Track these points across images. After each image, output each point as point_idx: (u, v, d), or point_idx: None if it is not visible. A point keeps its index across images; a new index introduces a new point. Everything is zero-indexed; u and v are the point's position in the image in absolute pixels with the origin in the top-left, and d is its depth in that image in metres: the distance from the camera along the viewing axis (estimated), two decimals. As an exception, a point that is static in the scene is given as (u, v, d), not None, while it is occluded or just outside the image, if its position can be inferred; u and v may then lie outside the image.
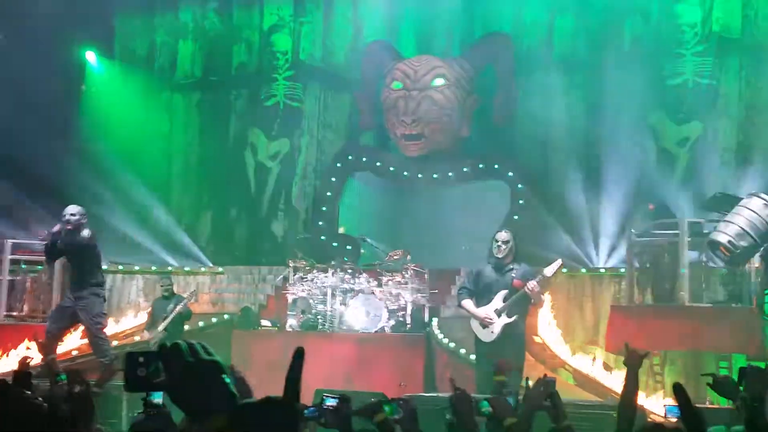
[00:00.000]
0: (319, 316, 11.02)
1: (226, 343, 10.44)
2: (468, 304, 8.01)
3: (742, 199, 8.62)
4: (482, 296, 7.99)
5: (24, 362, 6.17)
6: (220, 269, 13.18)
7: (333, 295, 11.03)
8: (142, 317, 11.80)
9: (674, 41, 12.53)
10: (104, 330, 8.86)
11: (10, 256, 11.75)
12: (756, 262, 8.73)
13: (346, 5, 14.35)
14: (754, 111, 12.16)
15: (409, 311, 10.90)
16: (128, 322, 12.41)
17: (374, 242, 11.97)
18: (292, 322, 10.97)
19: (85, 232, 8.62)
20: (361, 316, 10.81)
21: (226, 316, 11.95)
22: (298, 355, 1.87)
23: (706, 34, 12.37)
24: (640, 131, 12.65)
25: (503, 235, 8.02)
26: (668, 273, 9.55)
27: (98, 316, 8.68)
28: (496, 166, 13.19)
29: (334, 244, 13.33)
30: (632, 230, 10.12)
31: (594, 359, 10.02)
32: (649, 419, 7.44)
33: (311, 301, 11.08)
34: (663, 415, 4.13)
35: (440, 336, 10.51)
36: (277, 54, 14.62)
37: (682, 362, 9.78)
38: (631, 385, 4.19)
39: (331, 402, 3.77)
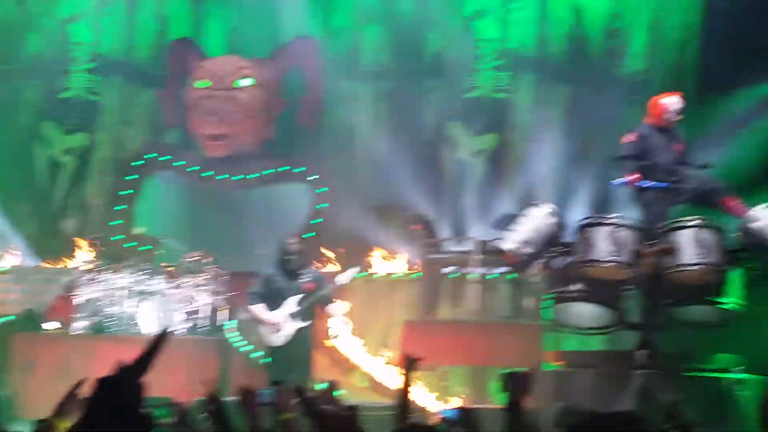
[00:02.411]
0: (110, 319, 10.65)
1: (5, 348, 9.92)
2: (258, 308, 8.00)
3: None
4: (273, 301, 7.99)
5: None
6: (4, 268, 12.45)
7: (126, 297, 10.69)
8: None
9: (473, 55, 13.04)
10: None
11: None
12: (539, 268, 9.16)
13: (152, -1, 13.98)
14: (543, 125, 12.82)
15: (205, 314, 10.73)
16: None
17: (173, 243, 11.73)
18: (81, 325, 10.54)
19: None
20: (155, 318, 10.55)
21: (7, 319, 11.29)
22: None
23: (502, 50, 12.95)
24: (440, 141, 13.10)
25: (293, 245, 8.05)
26: (454, 288, 9.99)
27: None
28: (299, 169, 13.24)
29: (131, 243, 12.92)
30: (427, 245, 10.44)
31: (386, 362, 10.20)
32: (432, 420, 7.71)
33: (102, 302, 10.69)
34: (440, 418, 4.28)
35: (236, 339, 10.42)
36: (76, 45, 14.01)
37: (467, 369, 10.16)
38: (405, 386, 4.36)
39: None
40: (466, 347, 9.57)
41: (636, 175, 7.84)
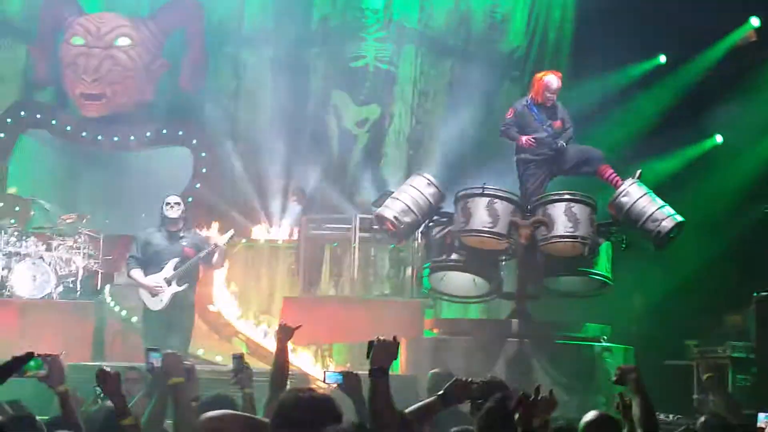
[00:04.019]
0: (-22, 281, 10.27)
1: None
2: (136, 273, 7.91)
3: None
4: (152, 264, 7.91)
5: None
6: None
7: (-4, 259, 10.33)
8: None
9: (358, 25, 13.07)
10: None
11: None
12: (418, 238, 9.34)
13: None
14: (426, 97, 13.06)
15: (80, 277, 10.49)
16: None
17: (47, 204, 11.39)
18: (-53, 287, 10.13)
19: None
20: (27, 281, 10.23)
21: None
22: None
23: (387, 21, 13.03)
24: (325, 109, 13.11)
25: (173, 209, 7.96)
26: (335, 261, 10.08)
27: None
28: (180, 133, 13.03)
29: (1, 204, 12.47)
30: (308, 222, 10.46)
31: (268, 328, 10.22)
32: (313, 385, 7.82)
33: (-29, 264, 10.29)
34: (323, 380, 4.39)
35: (112, 303, 10.25)
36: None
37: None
38: (282, 353, 4.47)
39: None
40: (346, 323, 9.62)
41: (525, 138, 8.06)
